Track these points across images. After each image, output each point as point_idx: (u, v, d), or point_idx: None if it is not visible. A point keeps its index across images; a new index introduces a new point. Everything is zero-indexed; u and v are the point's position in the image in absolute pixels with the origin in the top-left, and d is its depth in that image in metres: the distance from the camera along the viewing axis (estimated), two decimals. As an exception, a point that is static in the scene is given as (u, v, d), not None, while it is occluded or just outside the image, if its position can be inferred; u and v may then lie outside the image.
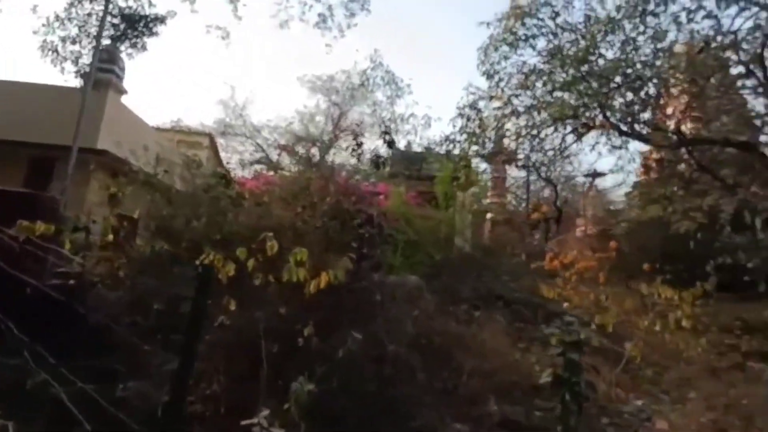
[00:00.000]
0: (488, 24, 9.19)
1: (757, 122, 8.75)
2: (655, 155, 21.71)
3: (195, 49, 41.28)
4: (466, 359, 3.76)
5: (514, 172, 23.66)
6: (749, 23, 6.80)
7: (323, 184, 9.43)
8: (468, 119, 11.42)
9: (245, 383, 2.57)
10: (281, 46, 41.55)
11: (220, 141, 20.43)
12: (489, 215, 23.07)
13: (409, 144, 21.68)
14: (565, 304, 5.76)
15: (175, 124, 17.50)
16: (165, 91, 39.90)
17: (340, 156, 19.80)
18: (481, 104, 11.21)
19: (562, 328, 2.46)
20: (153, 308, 3.65)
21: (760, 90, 7.70)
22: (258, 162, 18.63)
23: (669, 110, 9.61)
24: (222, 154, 19.71)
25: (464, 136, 11.61)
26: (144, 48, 10.51)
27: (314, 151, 19.11)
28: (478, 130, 11.25)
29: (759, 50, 6.73)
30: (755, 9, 6.25)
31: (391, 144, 15.29)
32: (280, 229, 5.64)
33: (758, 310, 6.11)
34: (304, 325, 2.97)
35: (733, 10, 6.61)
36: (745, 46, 6.77)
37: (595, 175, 20.26)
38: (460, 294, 6.72)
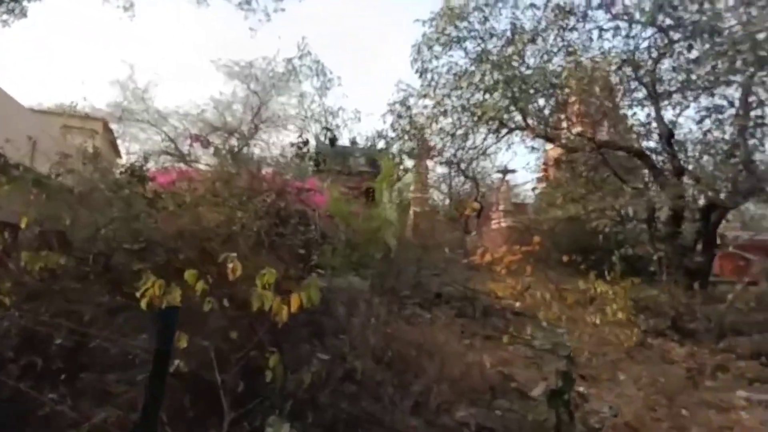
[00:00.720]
0: (423, 22, 9.25)
1: (641, 130, 10.07)
2: (553, 155, 24.18)
3: (90, 21, 35.36)
4: (429, 365, 3.69)
5: (436, 168, 24.66)
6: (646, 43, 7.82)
7: (252, 180, 8.72)
8: (399, 116, 11.50)
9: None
10: (197, 25, 37.51)
11: (115, 128, 17.89)
12: (412, 210, 23.77)
13: (335, 138, 21.28)
14: (517, 303, 6.05)
15: (60, 106, 14.79)
16: (52, 68, 33.70)
17: (261, 149, 18.68)
18: (412, 101, 11.38)
19: (549, 338, 2.48)
20: (53, 344, 2.93)
21: (648, 102, 8.89)
22: (166, 153, 16.65)
23: (575, 117, 10.63)
24: (120, 144, 17.30)
25: (395, 132, 11.68)
26: (23, 14, 8.49)
27: (232, 142, 17.67)
28: (408, 127, 11.38)
29: (652, 68, 7.73)
30: (655, 30, 7.14)
31: (333, 141, 14.78)
32: (211, 235, 5.03)
33: (652, 293, 7.12)
34: (262, 351, 2.60)
35: (636, 30, 7.54)
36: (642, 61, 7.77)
37: (506, 171, 21.94)
38: (402, 294, 6.70)
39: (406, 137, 11.30)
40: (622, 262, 6.81)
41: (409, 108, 11.32)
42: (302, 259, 6.19)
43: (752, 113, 7.97)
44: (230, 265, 2.11)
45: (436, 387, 3.50)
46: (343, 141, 16.75)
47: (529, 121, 10.50)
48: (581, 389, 4.11)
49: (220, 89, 19.12)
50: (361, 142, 18.41)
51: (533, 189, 27.60)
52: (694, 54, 7.42)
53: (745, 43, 6.68)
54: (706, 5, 6.80)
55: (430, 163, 23.76)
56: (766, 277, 11.22)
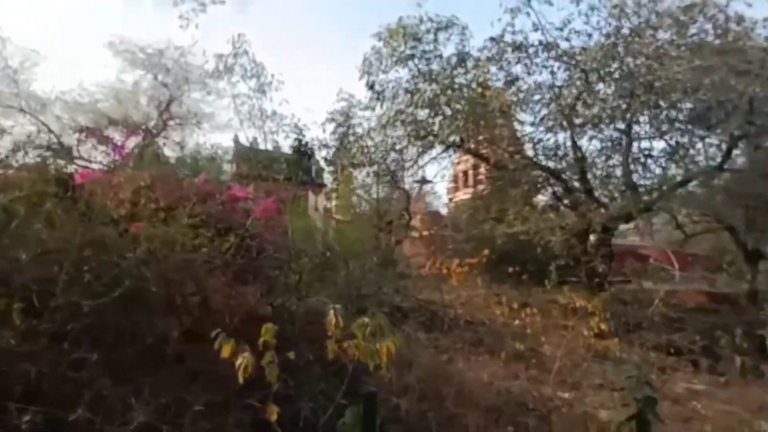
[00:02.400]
0: (379, 36, 9.31)
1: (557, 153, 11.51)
2: (461, 168, 26.12)
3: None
4: (442, 387, 3.70)
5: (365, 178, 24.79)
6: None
7: (176, 187, 7.75)
8: (339, 125, 11.36)
9: None
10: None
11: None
12: (336, 218, 23.49)
13: (255, 141, 20.00)
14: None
15: None
16: None
17: (172, 149, 16.67)
18: (354, 112, 11.34)
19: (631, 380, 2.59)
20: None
21: (566, 129, 10.24)
22: (46, 148, 13.72)
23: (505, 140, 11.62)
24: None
25: (336, 141, 11.49)
26: None
27: (134, 140, 15.39)
28: (351, 138, 11.30)
29: (573, 102, 8.93)
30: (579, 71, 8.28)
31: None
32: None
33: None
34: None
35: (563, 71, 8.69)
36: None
37: (424, 181, 23.09)
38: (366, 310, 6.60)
39: (349, 146, 11.18)
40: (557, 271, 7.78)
41: (350, 117, 11.27)
42: (271, 281, 5.72)
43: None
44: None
45: (453, 409, 3.54)
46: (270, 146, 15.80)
47: (464, 140, 11.26)
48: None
49: (120, 77, 16.44)
50: (290, 149, 17.68)
51: (450, 199, 29.45)
52: (602, 94, 8.79)
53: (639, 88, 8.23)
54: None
55: (357, 173, 23.88)
56: (635, 275, 13.73)
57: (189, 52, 16.10)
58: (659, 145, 10.37)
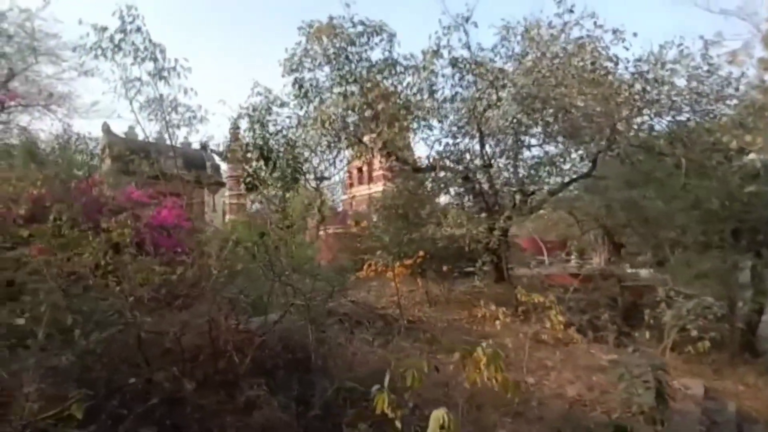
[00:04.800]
0: (305, 32, 8.85)
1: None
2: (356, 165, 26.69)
3: None
4: (442, 392, 3.90)
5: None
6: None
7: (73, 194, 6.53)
8: (259, 122, 10.55)
9: None
10: None
11: None
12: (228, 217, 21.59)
13: (131, 130, 17.00)
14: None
15: None
16: None
17: (17, 137, 13.16)
18: (273, 108, 10.64)
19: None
20: None
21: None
22: None
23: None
24: None
25: (253, 137, 10.65)
26: None
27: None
28: (268, 134, 10.60)
29: (480, 114, 9.99)
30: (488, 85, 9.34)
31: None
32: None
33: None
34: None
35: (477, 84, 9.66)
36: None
37: (323, 178, 22.93)
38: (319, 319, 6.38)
39: (262, 141, 10.42)
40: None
41: (270, 113, 10.53)
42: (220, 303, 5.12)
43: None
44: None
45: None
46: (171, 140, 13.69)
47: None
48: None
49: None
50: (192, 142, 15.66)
51: (352, 197, 29.76)
52: (506, 107, 10.04)
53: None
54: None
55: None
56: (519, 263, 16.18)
57: (38, 17, 12.91)
58: (542, 154, 12.37)
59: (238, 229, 9.50)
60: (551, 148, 12.30)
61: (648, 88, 9.32)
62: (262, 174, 11.31)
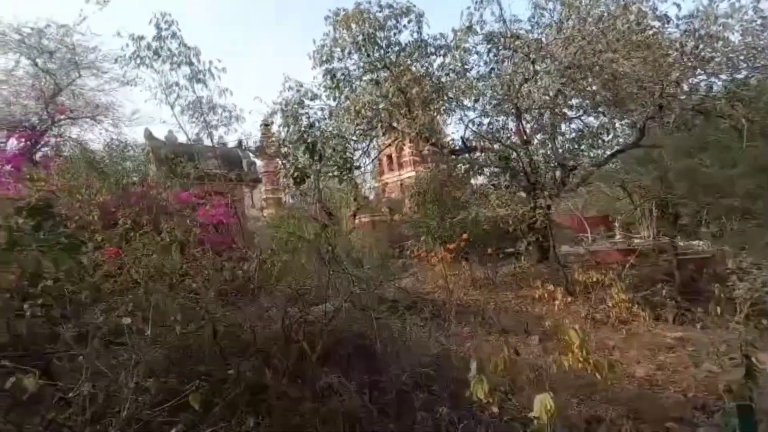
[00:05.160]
0: (332, 21, 8.79)
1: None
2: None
3: None
4: (521, 376, 3.85)
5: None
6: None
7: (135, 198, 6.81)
8: (293, 116, 10.65)
9: None
10: None
11: None
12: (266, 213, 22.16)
13: (170, 134, 17.66)
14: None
15: None
16: None
17: (71, 148, 13.95)
18: (304, 102, 10.71)
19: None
20: None
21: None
22: None
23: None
24: None
25: (289, 132, 10.77)
26: None
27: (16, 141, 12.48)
28: (304, 127, 10.69)
29: (517, 90, 9.61)
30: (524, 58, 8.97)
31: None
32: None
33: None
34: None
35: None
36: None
37: (355, 167, 23.02)
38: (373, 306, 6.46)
39: (301, 135, 10.53)
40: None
41: (303, 106, 10.62)
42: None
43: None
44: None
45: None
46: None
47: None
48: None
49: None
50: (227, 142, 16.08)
51: (384, 184, 29.79)
52: (545, 82, 9.60)
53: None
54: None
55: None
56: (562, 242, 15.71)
57: (75, 31, 13.50)
58: (582, 127, 11.82)
59: (287, 223, 9.71)
60: (592, 120, 11.76)
61: (701, 45, 8.65)
62: (314, 166, 11.46)
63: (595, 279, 5.16)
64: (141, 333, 2.65)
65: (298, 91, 10.71)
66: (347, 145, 11.58)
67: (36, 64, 13.52)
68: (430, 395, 3.21)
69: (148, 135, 16.75)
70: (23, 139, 11.73)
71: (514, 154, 11.76)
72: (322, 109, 10.67)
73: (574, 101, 10.13)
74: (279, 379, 2.99)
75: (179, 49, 9.40)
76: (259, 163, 22.75)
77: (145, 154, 15.91)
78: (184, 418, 2.16)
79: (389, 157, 31.28)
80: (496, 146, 11.72)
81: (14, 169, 9.92)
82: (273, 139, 13.12)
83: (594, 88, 9.71)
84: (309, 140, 10.58)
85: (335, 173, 10.54)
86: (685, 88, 9.56)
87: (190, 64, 9.63)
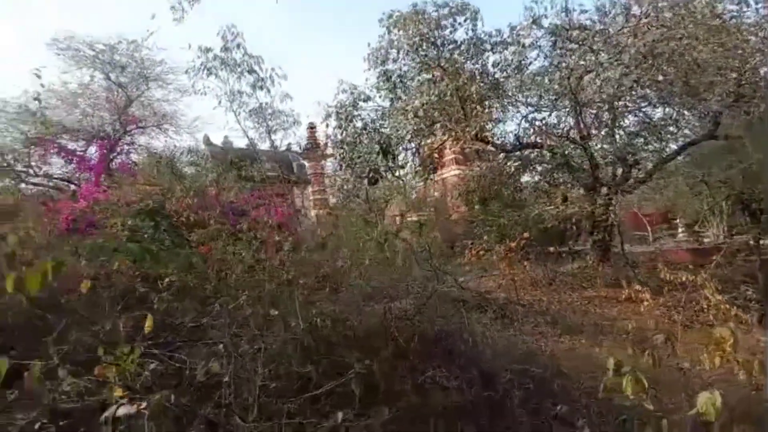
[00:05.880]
0: (387, 23, 8.92)
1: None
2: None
3: None
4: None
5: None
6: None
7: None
8: (348, 119, 10.89)
9: None
10: None
11: None
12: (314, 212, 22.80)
13: (226, 139, 18.61)
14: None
15: None
16: None
17: (139, 155, 15.05)
18: (358, 104, 10.91)
19: None
20: None
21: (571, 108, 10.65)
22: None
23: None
24: None
25: (345, 135, 11.01)
26: None
27: (95, 149, 13.65)
28: (358, 129, 10.90)
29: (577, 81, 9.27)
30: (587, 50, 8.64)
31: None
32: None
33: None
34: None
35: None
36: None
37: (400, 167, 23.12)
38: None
39: (357, 138, 10.74)
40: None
41: (357, 108, 10.83)
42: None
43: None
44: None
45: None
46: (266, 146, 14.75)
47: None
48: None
49: (63, 78, 14.36)
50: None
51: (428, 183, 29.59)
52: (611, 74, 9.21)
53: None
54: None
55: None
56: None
57: (143, 46, 14.52)
58: (646, 120, 11.22)
59: (351, 222, 9.96)
60: (655, 112, 11.15)
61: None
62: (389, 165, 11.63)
63: (683, 279, 4.90)
64: (265, 323, 2.84)
65: (352, 93, 10.93)
66: (397, 145, 11.68)
67: (109, 78, 14.69)
68: (532, 391, 3.21)
69: (207, 141, 17.76)
70: (101, 149, 12.80)
71: (573, 150, 11.39)
72: (375, 110, 10.82)
73: (640, 91, 9.64)
74: (380, 371, 3.10)
75: (243, 59, 9.92)
76: (306, 164, 23.49)
77: (203, 158, 16.85)
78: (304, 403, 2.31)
79: (430, 156, 31.10)
80: (551, 142, 11.39)
81: (97, 176, 10.79)
82: (325, 141, 13.46)
83: (665, 77, 9.21)
84: (382, 141, 10.75)
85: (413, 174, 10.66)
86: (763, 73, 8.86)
87: (253, 72, 10.13)
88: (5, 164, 12.50)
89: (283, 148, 19.15)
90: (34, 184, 12.58)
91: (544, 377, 3.49)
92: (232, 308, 2.86)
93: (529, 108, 11.74)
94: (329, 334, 3.27)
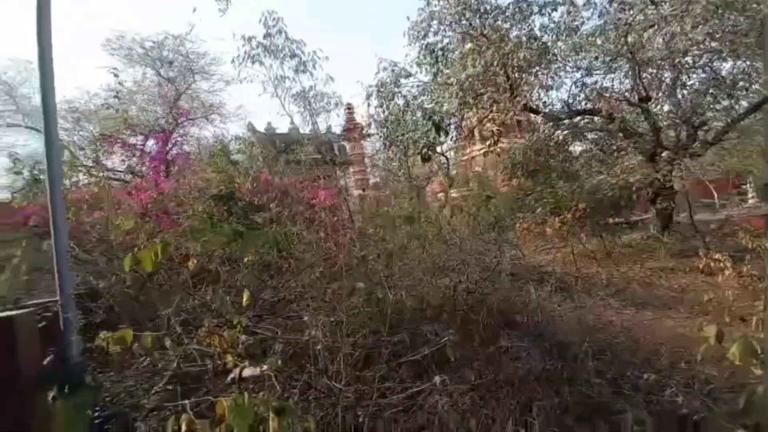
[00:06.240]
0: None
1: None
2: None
3: None
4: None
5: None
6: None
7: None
8: (389, 97, 10.81)
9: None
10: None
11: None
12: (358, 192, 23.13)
13: (269, 125, 19.13)
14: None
15: None
16: None
17: (191, 146, 15.84)
18: (402, 81, 10.78)
19: None
20: None
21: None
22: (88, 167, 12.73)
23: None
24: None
25: (387, 114, 10.95)
26: None
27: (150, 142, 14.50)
28: (401, 110, 10.80)
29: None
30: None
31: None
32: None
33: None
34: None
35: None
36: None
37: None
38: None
39: (400, 120, 10.67)
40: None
41: (398, 85, 10.72)
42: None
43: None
44: None
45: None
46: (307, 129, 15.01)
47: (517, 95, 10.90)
48: None
49: (120, 77, 15.20)
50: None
51: (471, 157, 29.13)
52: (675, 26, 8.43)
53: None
54: None
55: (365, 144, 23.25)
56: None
57: (187, 40, 15.04)
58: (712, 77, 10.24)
59: (398, 199, 10.06)
60: (724, 66, 10.13)
61: None
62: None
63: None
64: (344, 296, 2.98)
65: (393, 70, 10.80)
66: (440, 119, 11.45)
67: (159, 74, 15.42)
68: (610, 361, 3.17)
69: (252, 128, 18.32)
70: (159, 142, 13.56)
71: (630, 114, 10.69)
72: (417, 86, 10.65)
73: (711, 45, 8.80)
74: (455, 342, 3.17)
75: (285, 44, 10.02)
76: (347, 146, 23.72)
77: (250, 146, 17.42)
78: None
79: (470, 130, 30.24)
80: (606, 107, 10.71)
81: (157, 167, 11.45)
82: (368, 121, 13.48)
83: (736, 28, 8.33)
84: (434, 117, 10.59)
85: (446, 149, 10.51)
86: None
87: (295, 56, 10.23)
88: (77, 160, 13.57)
89: (323, 130, 19.41)
90: (109, 178, 13.61)
91: (620, 347, 3.43)
92: (310, 283, 3.02)
93: (581, 72, 11.09)
94: (401, 307, 3.38)
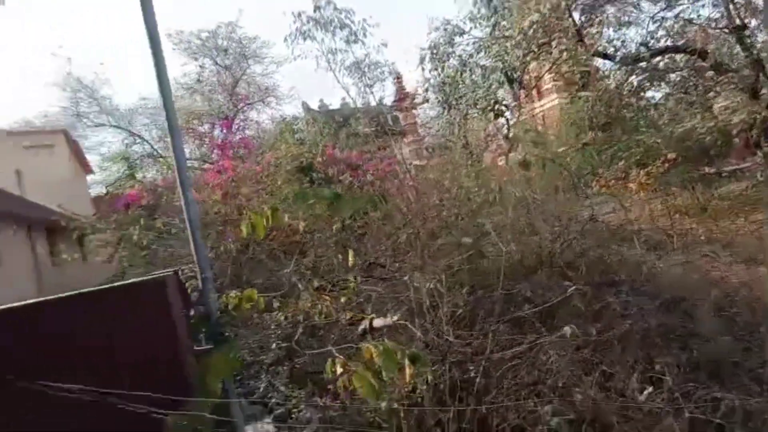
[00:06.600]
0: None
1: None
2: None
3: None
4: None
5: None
6: None
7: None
8: (441, 59, 10.35)
9: None
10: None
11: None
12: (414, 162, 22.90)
13: (322, 102, 19.33)
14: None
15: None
16: None
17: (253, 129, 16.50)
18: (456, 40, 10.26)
19: None
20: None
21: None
22: (155, 157, 13.94)
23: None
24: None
25: (440, 78, 10.53)
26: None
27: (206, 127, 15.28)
28: (458, 70, 10.33)
29: None
30: None
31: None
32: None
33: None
34: None
35: None
36: None
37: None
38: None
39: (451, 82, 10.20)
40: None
41: (452, 45, 10.20)
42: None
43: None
44: None
45: None
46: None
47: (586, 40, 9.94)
48: None
49: (183, 70, 16.08)
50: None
51: (533, 115, 27.74)
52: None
53: None
54: None
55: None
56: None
57: (237, 26, 15.38)
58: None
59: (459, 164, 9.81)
60: None
61: None
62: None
63: None
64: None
65: (446, 29, 10.28)
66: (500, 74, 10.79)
67: (216, 63, 16.04)
68: (732, 318, 2.90)
69: (306, 106, 18.63)
70: (224, 128, 14.25)
71: (721, 47, 9.35)
72: (473, 43, 10.07)
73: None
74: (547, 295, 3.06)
75: (333, 14, 9.86)
76: (400, 116, 23.38)
77: (307, 123, 17.80)
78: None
79: (537, 82, 28.19)
80: (697, 38, 9.44)
81: (223, 151, 12.03)
82: (425, 87, 13.06)
83: None
84: (506, 70, 9.96)
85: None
86: None
87: (345, 26, 10.06)
88: (157, 152, 14.73)
89: (374, 103, 19.27)
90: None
91: (741, 304, 3.11)
92: (409, 242, 3.03)
93: (659, 5, 9.83)
94: (498, 264, 3.30)
